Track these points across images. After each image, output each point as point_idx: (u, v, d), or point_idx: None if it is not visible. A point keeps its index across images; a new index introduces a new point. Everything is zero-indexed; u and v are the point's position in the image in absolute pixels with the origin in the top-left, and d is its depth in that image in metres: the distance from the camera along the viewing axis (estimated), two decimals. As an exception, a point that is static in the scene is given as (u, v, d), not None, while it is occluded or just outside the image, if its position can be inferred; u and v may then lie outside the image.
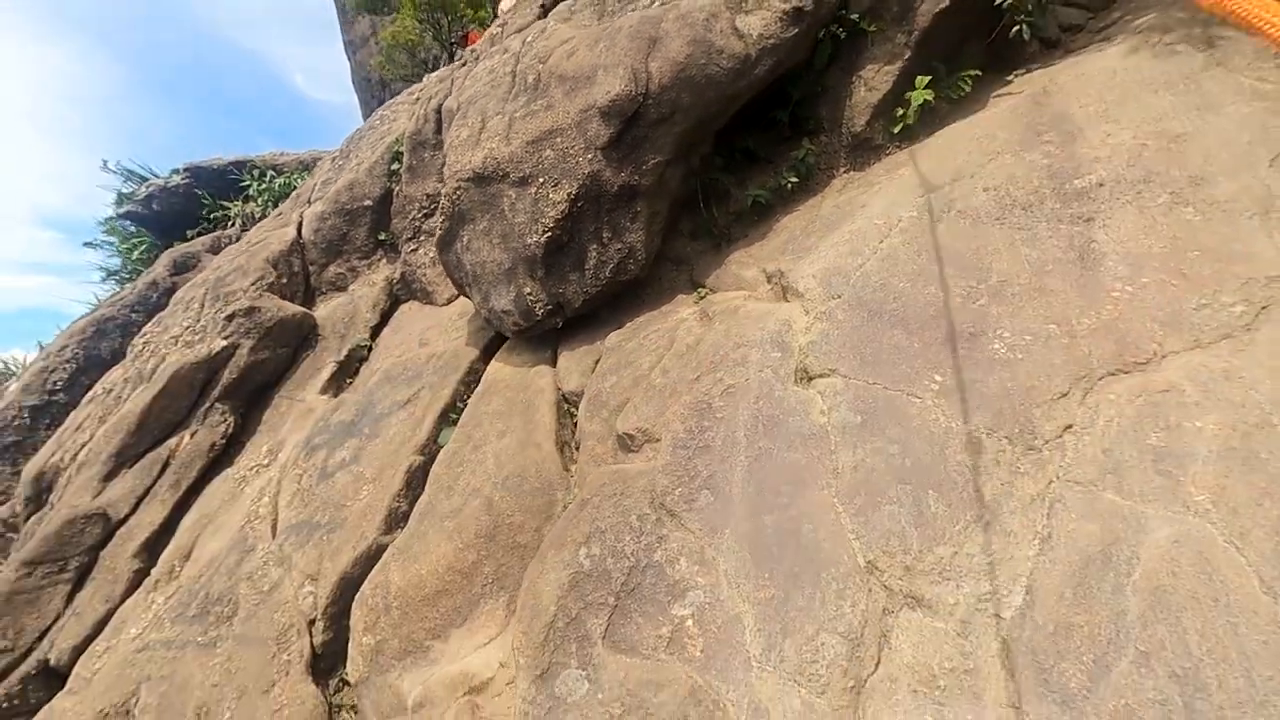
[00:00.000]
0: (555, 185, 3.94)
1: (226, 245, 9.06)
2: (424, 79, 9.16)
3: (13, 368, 9.81)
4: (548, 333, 4.42)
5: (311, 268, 6.47)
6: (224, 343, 5.40)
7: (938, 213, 3.24)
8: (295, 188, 9.83)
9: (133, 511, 4.72)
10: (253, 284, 5.84)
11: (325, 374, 5.63)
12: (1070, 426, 2.37)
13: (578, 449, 3.60)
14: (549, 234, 3.95)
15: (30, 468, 5.50)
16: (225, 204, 10.92)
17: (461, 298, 5.62)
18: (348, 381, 5.68)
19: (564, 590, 2.61)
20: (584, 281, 4.06)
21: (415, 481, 3.94)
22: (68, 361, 7.11)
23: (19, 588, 4.22)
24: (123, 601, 4.30)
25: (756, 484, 2.63)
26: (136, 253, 12.01)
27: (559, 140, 3.95)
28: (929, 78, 3.97)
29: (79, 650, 4.09)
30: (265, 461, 4.93)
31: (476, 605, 3.12)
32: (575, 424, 3.73)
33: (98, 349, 7.40)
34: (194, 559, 4.30)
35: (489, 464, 3.60)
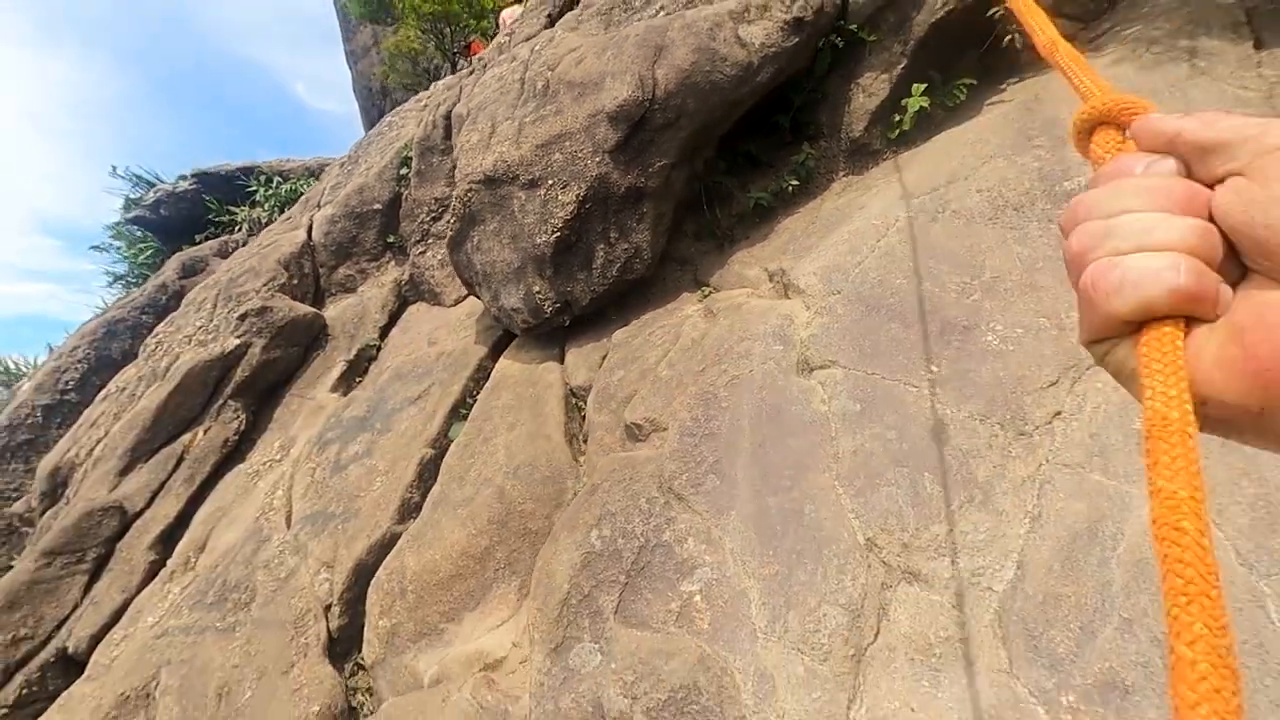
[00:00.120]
0: (564, 187, 4.08)
1: (234, 249, 9.19)
2: (431, 86, 9.34)
3: (22, 369, 9.91)
4: (555, 330, 4.55)
5: (321, 269, 6.61)
6: (237, 341, 5.52)
7: (933, 213, 3.37)
8: (301, 193, 9.98)
9: (148, 505, 4.83)
10: (265, 285, 5.97)
11: (335, 373, 5.74)
12: (1059, 413, 2.50)
13: (586, 441, 3.71)
14: (558, 234, 4.09)
15: (45, 464, 5.59)
16: (232, 209, 11.07)
17: (469, 299, 5.75)
18: (357, 380, 5.80)
19: (576, 569, 2.73)
20: (591, 280, 4.19)
21: (427, 473, 4.06)
22: (79, 362, 7.22)
23: (38, 577, 4.31)
24: (139, 591, 4.40)
25: (761, 468, 2.75)
26: (143, 257, 12.16)
27: (568, 144, 4.10)
28: (925, 85, 4.11)
29: (96, 639, 4.19)
30: (278, 457, 5.05)
31: (489, 589, 3.23)
32: (583, 417, 3.85)
33: (108, 350, 7.51)
34: (209, 550, 4.40)
35: (500, 455, 3.71)
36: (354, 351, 5.88)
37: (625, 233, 4.10)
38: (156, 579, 4.44)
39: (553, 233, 4.10)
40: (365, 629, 3.39)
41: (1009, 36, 4.15)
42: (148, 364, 6.02)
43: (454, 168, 6.15)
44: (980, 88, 4.23)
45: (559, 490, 3.44)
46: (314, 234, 6.72)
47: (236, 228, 10.78)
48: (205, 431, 5.21)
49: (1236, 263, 0.34)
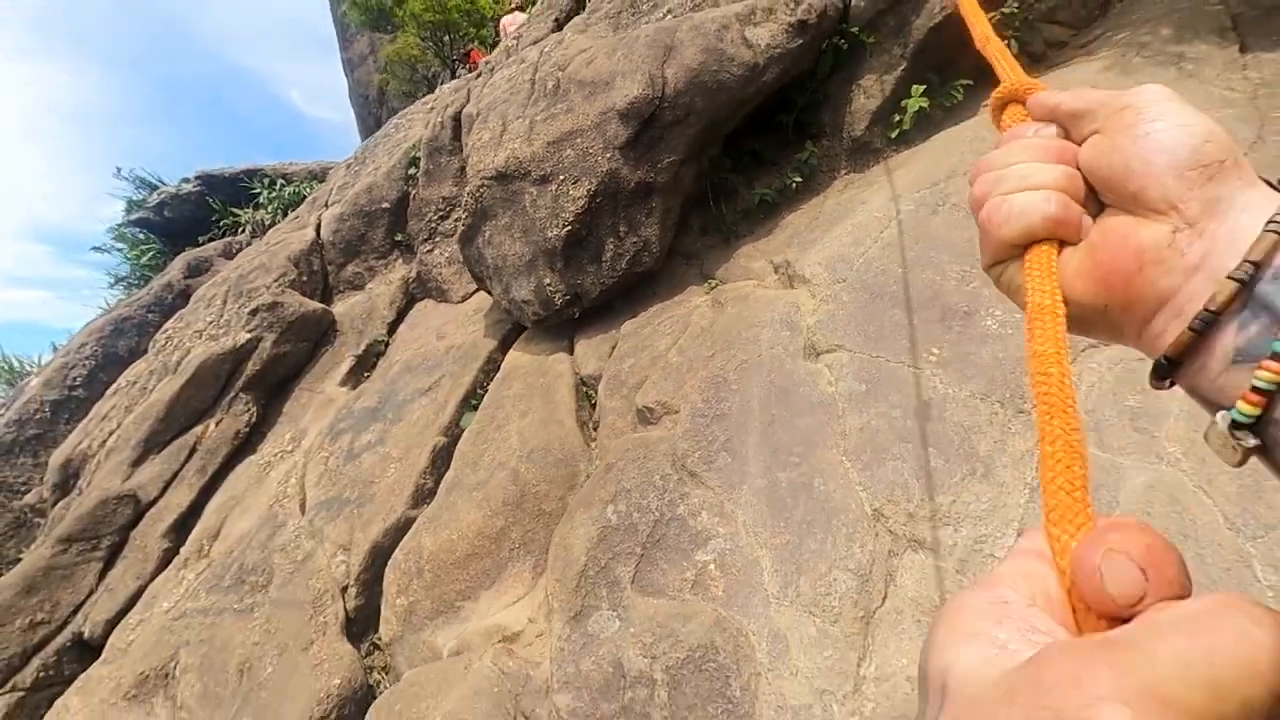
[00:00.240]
0: (575, 182, 4.20)
1: (238, 251, 9.29)
2: (437, 90, 9.48)
3: (28, 367, 9.96)
4: (564, 323, 4.66)
5: (330, 267, 6.71)
6: (248, 336, 5.61)
7: (933, 206, 3.51)
8: (304, 196, 10.09)
9: (161, 494, 4.90)
10: (275, 280, 6.07)
11: (344, 367, 5.84)
12: (1056, 390, 2.62)
13: (597, 427, 3.82)
14: (569, 228, 4.21)
15: (57, 456, 5.66)
16: (235, 211, 11.16)
17: (476, 295, 5.87)
18: (365, 375, 5.89)
19: (593, 543, 2.83)
20: (601, 273, 4.31)
21: (440, 460, 4.15)
22: (87, 358, 7.29)
23: (55, 563, 4.38)
24: (153, 578, 4.47)
25: (771, 446, 2.86)
26: (145, 258, 12.23)
27: (579, 140, 4.22)
28: (924, 87, 4.26)
29: (112, 624, 4.25)
30: (289, 448, 5.13)
31: (504, 568, 3.32)
32: (594, 405, 3.96)
33: (115, 347, 7.58)
34: (223, 537, 4.48)
35: (513, 440, 3.81)
36: (362, 347, 5.98)
37: (634, 227, 4.23)
38: (171, 566, 4.52)
39: (564, 227, 4.21)
40: (382, 608, 3.48)
41: (1005, 41, 4.31)
42: (158, 359, 6.10)
43: (462, 168, 6.28)
44: (977, 88, 4.38)
45: (572, 473, 3.54)
46: (322, 232, 6.83)
47: (240, 229, 10.87)
48: (217, 423, 5.30)
49: (1097, 201, 0.46)
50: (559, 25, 6.20)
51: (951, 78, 4.34)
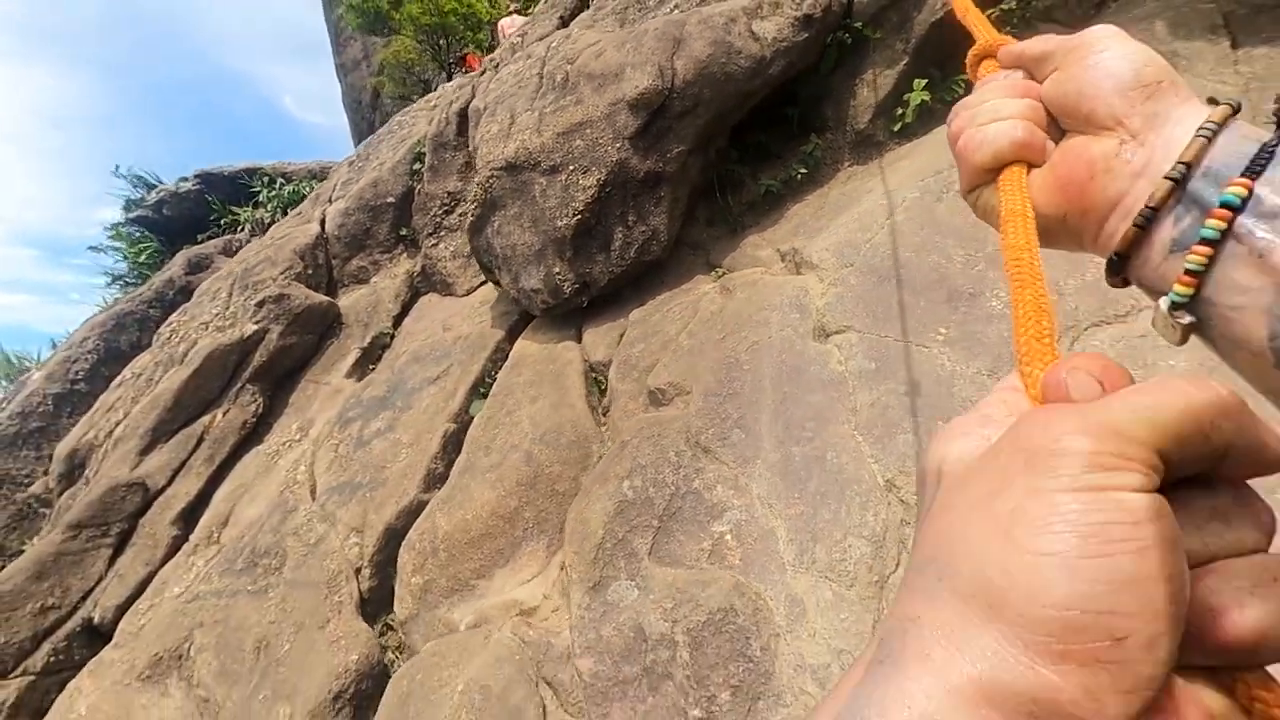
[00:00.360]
0: (585, 172, 4.27)
1: (238, 248, 9.31)
2: (440, 88, 9.55)
3: (27, 363, 9.94)
4: (571, 312, 4.72)
5: (334, 261, 6.75)
6: (255, 327, 5.65)
7: (938, 193, 3.60)
8: (304, 195, 10.12)
9: (169, 483, 4.92)
10: (281, 273, 6.11)
11: (350, 359, 5.88)
12: (1060, 366, 2.70)
13: (606, 412, 3.88)
14: (578, 217, 4.28)
15: (63, 446, 5.67)
16: (235, 210, 11.18)
17: (481, 289, 5.92)
18: (371, 367, 5.93)
19: (610, 517, 2.89)
20: (610, 262, 4.38)
21: (451, 446, 4.20)
22: (89, 352, 7.30)
23: (65, 549, 4.39)
24: (163, 565, 4.49)
25: (783, 422, 2.93)
26: (144, 257, 12.21)
27: (589, 131, 4.30)
28: (926, 81, 4.36)
29: (122, 609, 4.27)
30: (297, 437, 5.16)
31: (519, 547, 3.37)
32: (604, 390, 4.02)
33: (117, 341, 7.59)
34: (233, 523, 4.51)
35: (524, 424, 3.87)
36: (368, 339, 6.02)
37: (643, 216, 4.30)
38: (180, 553, 4.54)
39: (573, 216, 4.28)
40: (397, 587, 3.52)
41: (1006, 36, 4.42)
42: (163, 351, 6.12)
43: (466, 163, 6.35)
44: (977, 83, 4.49)
45: (584, 454, 3.60)
46: (327, 226, 6.88)
47: (240, 228, 10.88)
48: (224, 413, 5.32)
49: (1058, 130, 0.53)
50: (564, 22, 6.28)
51: (953, 72, 4.44)
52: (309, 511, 4.12)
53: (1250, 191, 0.40)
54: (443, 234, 6.45)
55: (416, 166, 6.88)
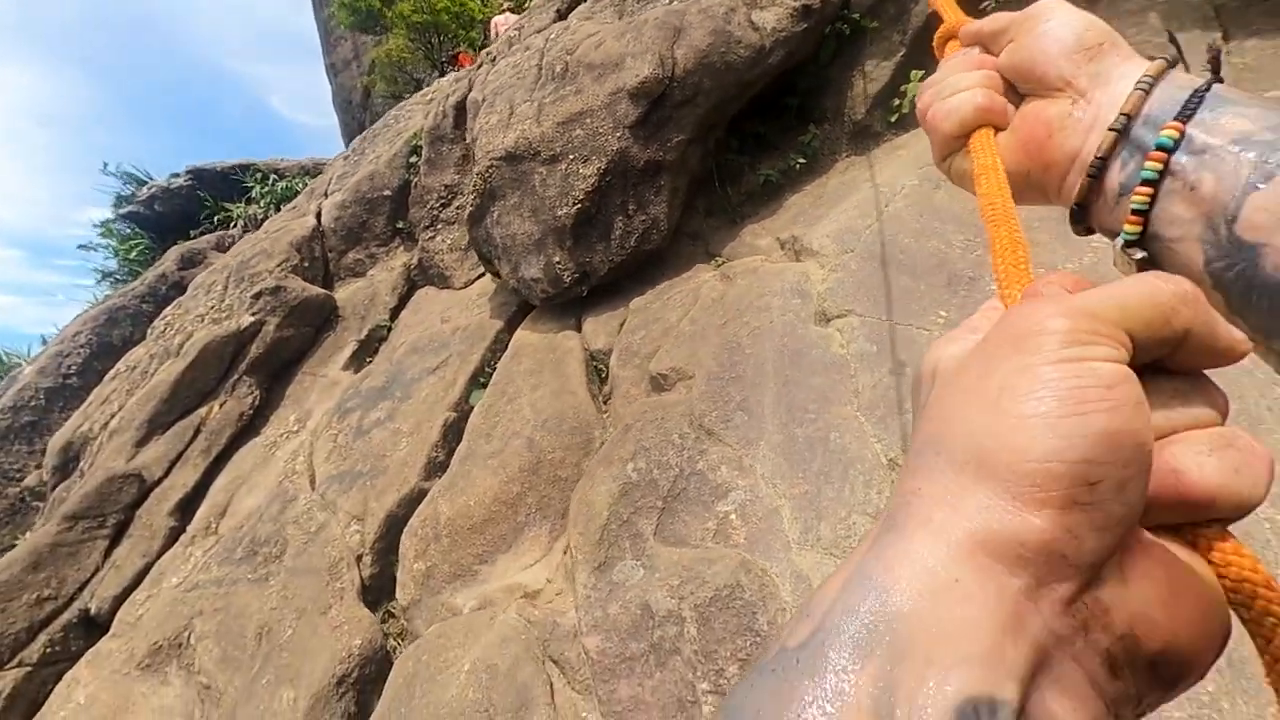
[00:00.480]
0: (585, 161, 4.29)
1: (231, 244, 9.26)
2: (435, 83, 9.53)
3: (17, 359, 9.85)
4: (571, 302, 4.73)
5: (330, 254, 6.73)
6: (251, 319, 5.62)
7: (936, 181, 3.63)
8: (297, 191, 10.08)
9: (166, 474, 4.89)
10: (278, 265, 6.08)
11: (347, 352, 5.86)
12: (1060, 347, 2.74)
13: (608, 400, 3.89)
14: (579, 206, 4.29)
15: (56, 439, 5.62)
16: (227, 206, 11.11)
17: (479, 281, 5.92)
18: (368, 360, 5.91)
19: (615, 498, 2.90)
20: (610, 251, 4.39)
21: (451, 435, 4.20)
22: (82, 346, 7.24)
23: (60, 540, 4.36)
24: (160, 556, 4.46)
25: (786, 405, 2.95)
26: (134, 253, 12.12)
27: (589, 121, 4.31)
28: (923, 72, 4.40)
29: (119, 600, 4.24)
30: (295, 429, 5.15)
31: (521, 532, 3.37)
32: (605, 377, 4.03)
33: (109, 336, 7.54)
34: (231, 514, 4.49)
35: (526, 412, 3.88)
36: (365, 332, 6.00)
37: (643, 205, 4.32)
38: (178, 543, 4.51)
39: (574, 205, 4.29)
40: (399, 574, 3.51)
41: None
42: (158, 344, 6.08)
43: (463, 156, 6.34)
44: (974, 74, 4.53)
45: (586, 440, 3.61)
46: (323, 219, 6.86)
47: (232, 224, 10.82)
48: (221, 405, 5.30)
49: (1017, 96, 0.57)
50: (561, 15, 6.29)
51: (949, 63, 4.48)
52: (309, 500, 4.11)
53: (1182, 133, 0.44)
54: (440, 227, 6.45)
55: (413, 160, 6.88)
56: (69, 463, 5.47)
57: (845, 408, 2.83)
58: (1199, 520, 0.28)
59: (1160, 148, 0.44)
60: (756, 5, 4.23)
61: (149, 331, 6.57)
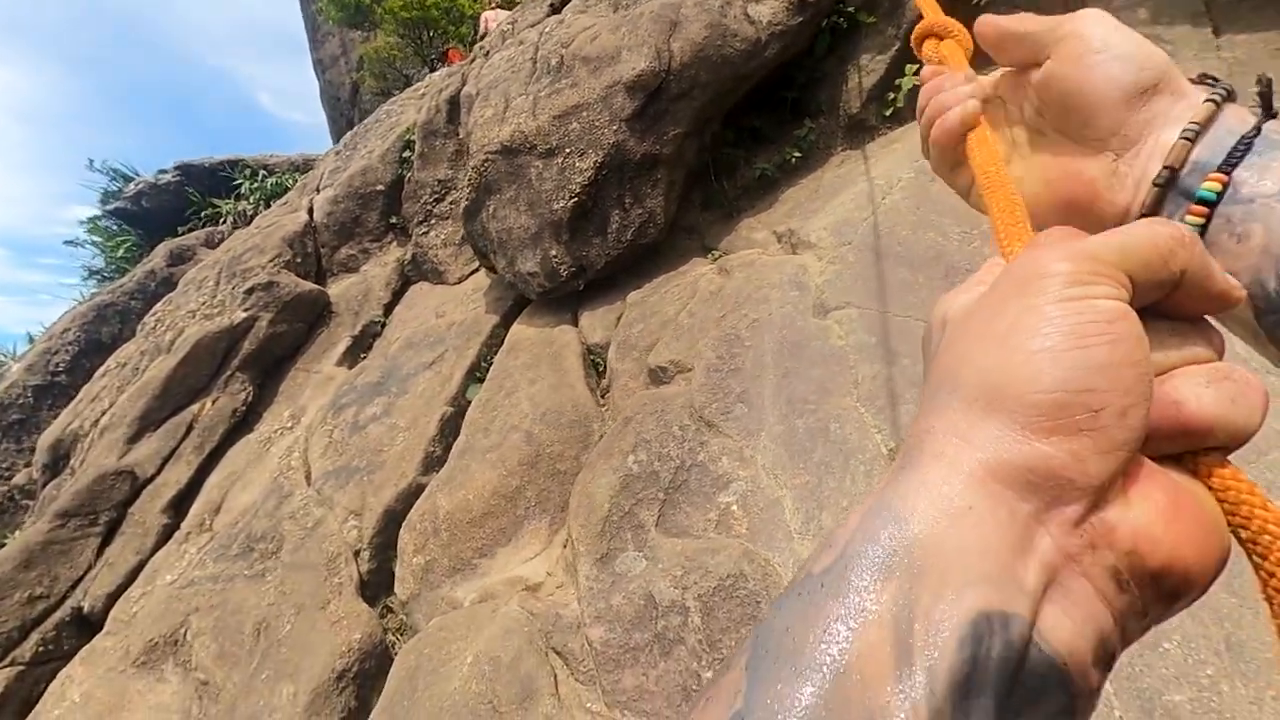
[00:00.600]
0: (581, 155, 4.28)
1: (220, 240, 9.18)
2: (427, 78, 9.47)
3: (3, 357, 9.72)
4: (567, 296, 4.72)
5: (323, 249, 6.68)
6: (244, 315, 5.58)
7: (932, 174, 3.65)
8: (287, 187, 9.99)
9: (159, 471, 4.85)
10: (270, 261, 6.04)
11: (341, 347, 5.83)
12: (1057, 337, 2.76)
13: (605, 394, 3.89)
14: (575, 199, 4.28)
15: (46, 437, 5.55)
16: (215, 202, 11.01)
17: (473, 276, 5.90)
18: (363, 355, 5.88)
19: (616, 490, 2.90)
20: (606, 244, 4.38)
21: (448, 429, 4.18)
22: (70, 344, 7.16)
23: (52, 538, 4.31)
24: (153, 553, 4.43)
25: (786, 396, 2.96)
26: (121, 251, 11.99)
27: (585, 114, 4.30)
28: (917, 66, 4.40)
29: (113, 598, 4.20)
30: (289, 425, 5.11)
31: (521, 525, 3.37)
32: (603, 371, 4.03)
33: (98, 333, 7.46)
34: (225, 510, 4.46)
35: (524, 405, 3.87)
36: (359, 327, 5.97)
37: (640, 198, 4.31)
38: (171, 541, 4.48)
39: (570, 198, 4.28)
40: (398, 568, 3.50)
41: (993, 22, 4.49)
42: (149, 340, 6.02)
43: (457, 150, 6.31)
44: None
45: (585, 433, 3.61)
46: (316, 215, 6.81)
47: (221, 220, 10.72)
48: (214, 401, 5.25)
49: (1017, 94, 0.58)
50: (555, 9, 6.26)
51: (944, 57, 4.50)
52: (305, 496, 4.08)
53: (1225, 184, 0.43)
54: (433, 222, 6.42)
55: (406, 154, 6.83)
56: (59, 460, 5.41)
57: (845, 399, 2.84)
58: (1199, 449, 0.30)
59: (1201, 201, 0.44)
60: (753, -2, 4.23)
61: (139, 328, 6.50)
